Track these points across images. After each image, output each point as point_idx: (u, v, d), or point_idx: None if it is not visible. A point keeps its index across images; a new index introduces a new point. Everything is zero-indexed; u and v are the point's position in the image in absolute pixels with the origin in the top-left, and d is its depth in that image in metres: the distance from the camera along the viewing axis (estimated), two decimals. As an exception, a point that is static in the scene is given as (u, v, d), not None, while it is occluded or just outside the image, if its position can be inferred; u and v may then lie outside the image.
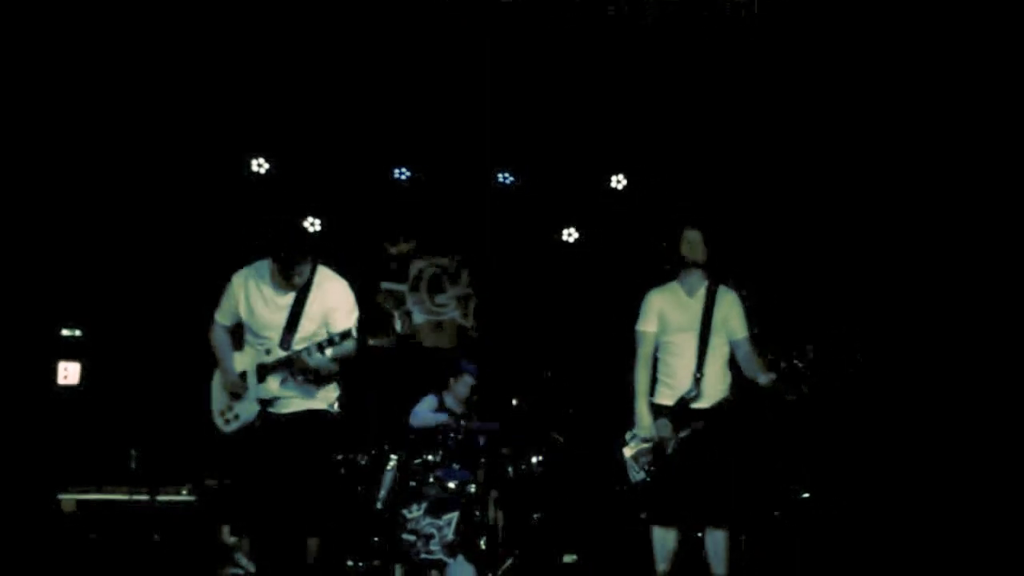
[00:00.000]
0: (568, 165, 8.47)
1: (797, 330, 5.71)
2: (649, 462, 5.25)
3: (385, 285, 8.75)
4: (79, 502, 6.29)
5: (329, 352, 4.90)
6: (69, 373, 7.04)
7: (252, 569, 6.04)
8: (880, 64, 6.94)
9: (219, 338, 5.18)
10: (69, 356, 7.12)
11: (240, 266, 5.21)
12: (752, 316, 5.43)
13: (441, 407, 7.43)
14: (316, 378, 5.02)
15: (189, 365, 5.45)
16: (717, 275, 5.44)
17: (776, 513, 6.85)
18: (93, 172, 7.41)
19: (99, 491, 6.37)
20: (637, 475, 5.31)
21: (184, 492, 6.49)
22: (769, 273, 7.65)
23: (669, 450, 5.20)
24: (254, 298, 5.05)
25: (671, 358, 5.35)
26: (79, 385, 7.07)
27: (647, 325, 5.40)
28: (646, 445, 5.27)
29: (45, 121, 6.85)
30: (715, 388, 5.28)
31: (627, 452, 5.36)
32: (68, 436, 6.85)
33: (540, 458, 7.32)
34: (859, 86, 7.12)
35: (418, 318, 8.82)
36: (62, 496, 6.29)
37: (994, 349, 6.58)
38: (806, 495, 6.87)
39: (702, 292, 5.38)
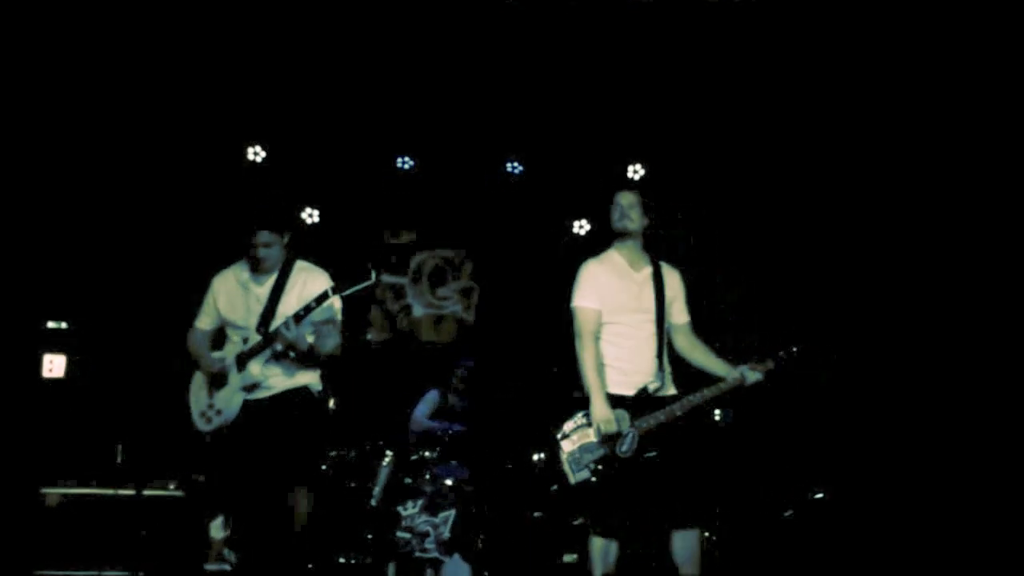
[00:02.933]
0: (581, 153, 8.27)
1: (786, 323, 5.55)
2: (596, 460, 4.50)
3: (384, 278, 8.59)
4: (64, 496, 6.25)
5: (306, 321, 4.83)
6: (54, 366, 7.06)
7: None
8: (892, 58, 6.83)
9: (196, 340, 5.19)
10: (55, 349, 7.12)
11: (230, 259, 5.21)
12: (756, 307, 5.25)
13: (444, 404, 7.31)
14: (299, 355, 4.93)
15: (176, 359, 5.40)
16: (656, 249, 4.88)
17: (787, 514, 6.73)
18: (81, 164, 7.40)
19: (85, 485, 6.32)
20: (579, 474, 4.52)
21: (171, 487, 6.45)
22: (769, 265, 7.59)
23: (624, 447, 4.47)
24: (232, 290, 5.09)
25: (623, 340, 4.67)
26: (64, 378, 7.09)
27: (587, 300, 4.67)
28: (595, 439, 4.52)
29: (34, 114, 6.87)
30: (669, 376, 4.71)
31: (567, 447, 4.56)
32: (53, 429, 6.84)
33: (542, 455, 7.18)
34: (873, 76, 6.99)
35: (418, 311, 8.73)
36: (47, 490, 6.26)
37: (998, 346, 6.46)
38: (819, 495, 6.74)
39: (648, 269, 4.79)
